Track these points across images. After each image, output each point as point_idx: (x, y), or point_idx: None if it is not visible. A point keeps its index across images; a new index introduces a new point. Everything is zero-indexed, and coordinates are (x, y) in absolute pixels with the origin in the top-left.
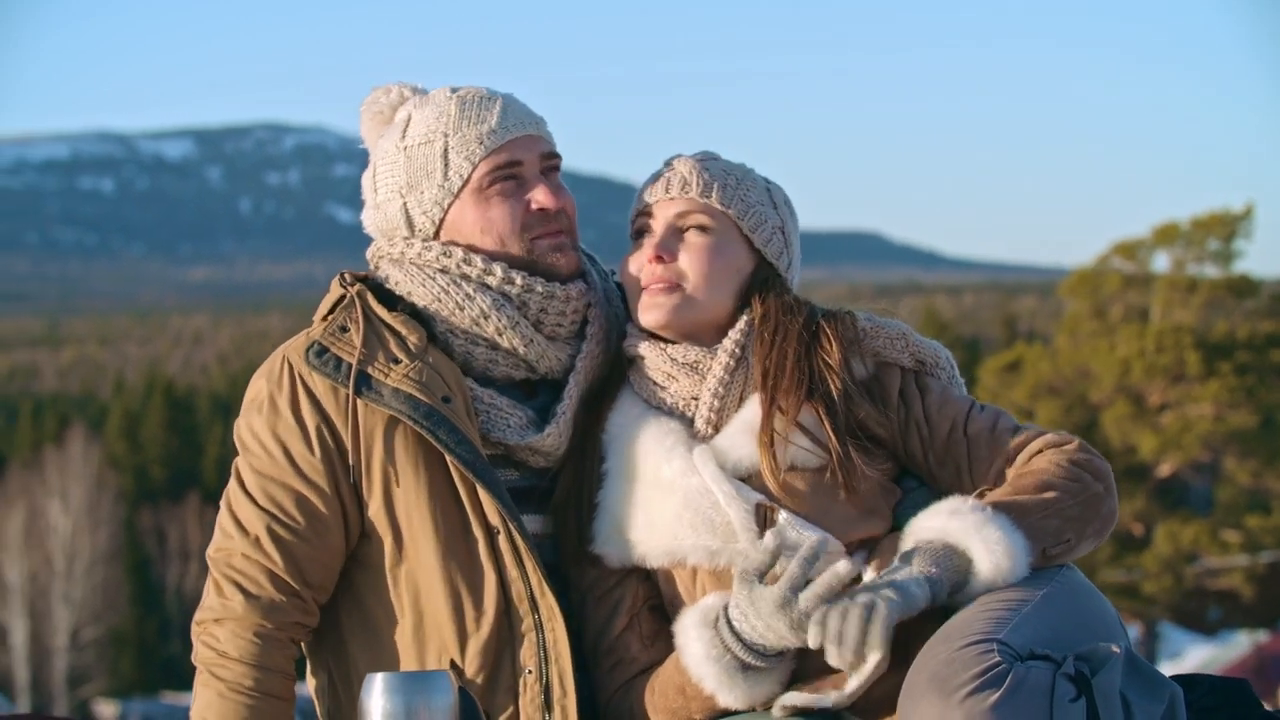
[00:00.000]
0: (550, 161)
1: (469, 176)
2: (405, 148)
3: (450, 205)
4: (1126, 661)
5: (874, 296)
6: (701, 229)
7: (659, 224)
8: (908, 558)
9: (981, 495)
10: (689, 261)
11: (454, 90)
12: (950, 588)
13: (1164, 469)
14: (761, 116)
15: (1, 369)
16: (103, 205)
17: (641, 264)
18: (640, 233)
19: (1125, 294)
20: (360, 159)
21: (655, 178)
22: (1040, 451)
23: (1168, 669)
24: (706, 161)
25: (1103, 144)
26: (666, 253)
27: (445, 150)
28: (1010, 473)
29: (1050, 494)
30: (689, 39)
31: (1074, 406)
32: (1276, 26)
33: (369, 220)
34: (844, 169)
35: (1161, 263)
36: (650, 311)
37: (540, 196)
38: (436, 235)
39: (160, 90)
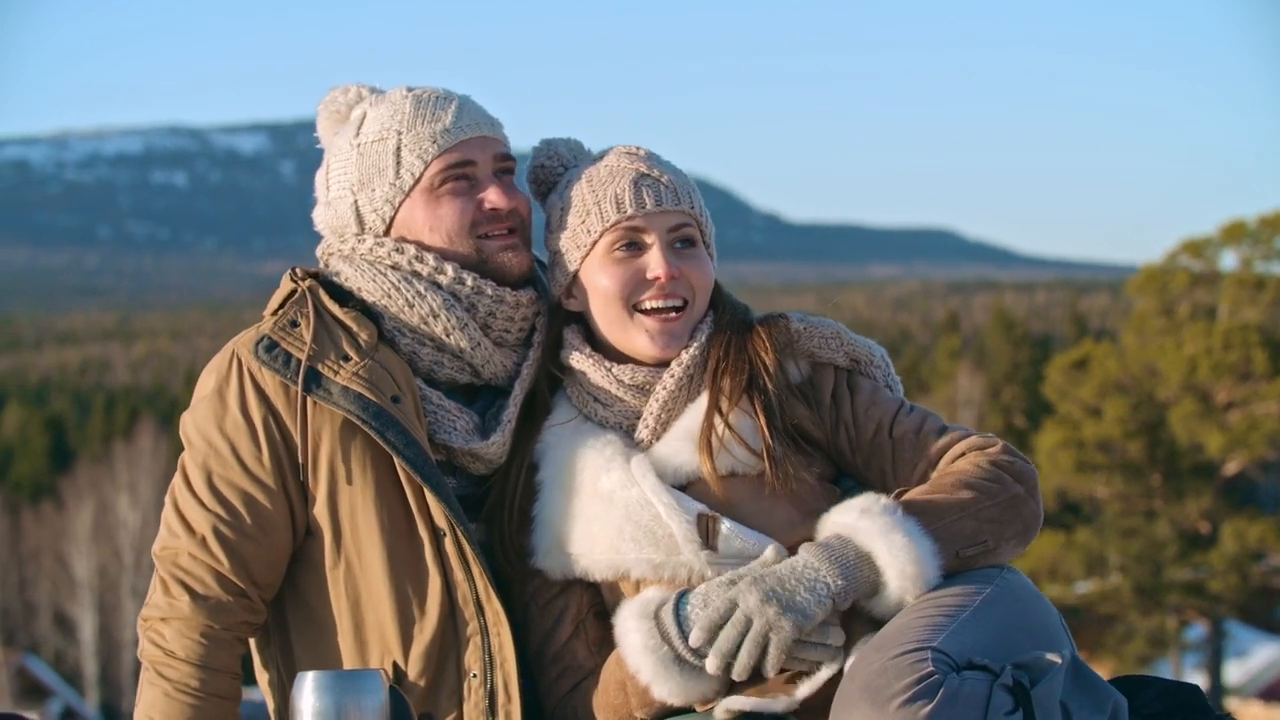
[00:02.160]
0: (504, 164)
1: (420, 175)
2: (358, 145)
3: (401, 203)
4: (1070, 670)
5: (946, 294)
6: (692, 241)
7: (656, 236)
8: (820, 555)
9: (900, 495)
10: (694, 276)
11: (410, 89)
12: (858, 596)
13: (1230, 467)
14: (839, 114)
15: (73, 363)
16: (176, 199)
17: (630, 280)
18: (625, 245)
19: (1193, 292)
20: None
21: (633, 184)
22: (963, 454)
23: (1234, 668)
24: (666, 164)
25: (1173, 142)
26: (677, 269)
27: (398, 148)
28: (932, 475)
29: (967, 495)
30: (763, 39)
31: (1141, 404)
32: None
33: (320, 218)
34: (920, 166)
35: (1229, 261)
36: (666, 345)
37: (492, 196)
38: (387, 233)
39: (233, 84)
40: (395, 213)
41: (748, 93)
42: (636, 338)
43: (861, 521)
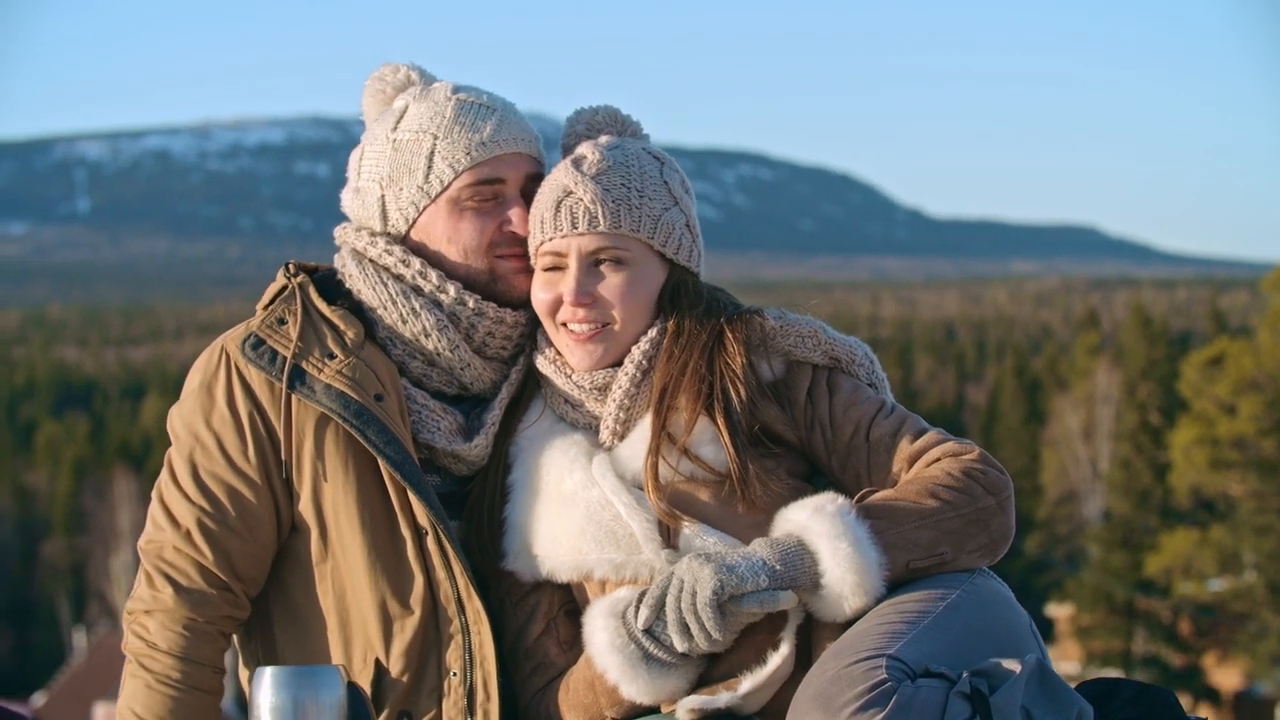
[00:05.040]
0: (534, 185)
1: (449, 184)
2: (394, 140)
3: (426, 208)
4: (1038, 675)
5: (1087, 290)
6: (618, 262)
7: (572, 260)
8: (764, 543)
9: (863, 497)
10: (613, 299)
11: (455, 90)
12: (798, 587)
13: None
14: (984, 111)
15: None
16: (318, 190)
17: (555, 300)
18: (549, 267)
19: None
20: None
21: (555, 205)
22: (937, 459)
23: None
24: (603, 175)
25: None
26: (586, 295)
27: (432, 152)
28: (904, 478)
29: (932, 503)
30: (909, 36)
31: (1276, 401)
32: None
33: (347, 201)
34: (1063, 163)
35: None
36: (582, 360)
37: (515, 219)
38: (407, 234)
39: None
40: (419, 215)
41: (893, 90)
42: (564, 350)
43: (812, 521)
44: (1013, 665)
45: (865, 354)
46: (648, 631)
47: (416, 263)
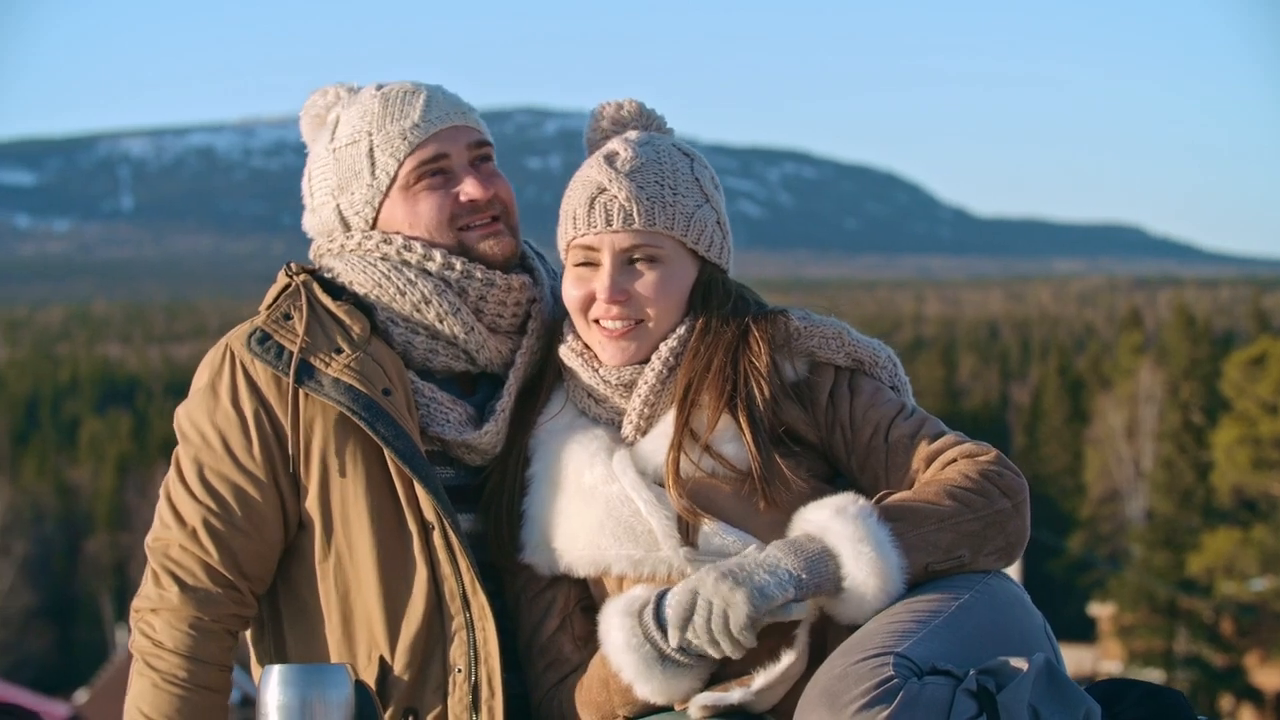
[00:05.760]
0: (480, 150)
1: (395, 174)
2: (334, 150)
3: (381, 203)
4: (1046, 674)
5: (1130, 289)
6: (651, 260)
7: (605, 257)
8: (786, 548)
9: (882, 499)
10: (648, 296)
11: (379, 87)
12: (821, 592)
13: None
14: (1028, 110)
15: None
16: None
17: (588, 296)
18: (581, 262)
19: None
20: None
21: (589, 202)
22: (954, 461)
23: None
24: (637, 173)
25: None
26: (621, 293)
27: (370, 149)
28: (920, 480)
29: (949, 505)
30: (952, 35)
31: None
32: None
33: (308, 224)
34: (1106, 162)
35: None
36: (614, 356)
37: (468, 188)
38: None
39: (420, 71)
40: (377, 213)
41: (936, 89)
42: (596, 346)
43: (834, 522)
44: (1020, 664)
45: (888, 356)
46: (663, 631)
47: (398, 239)
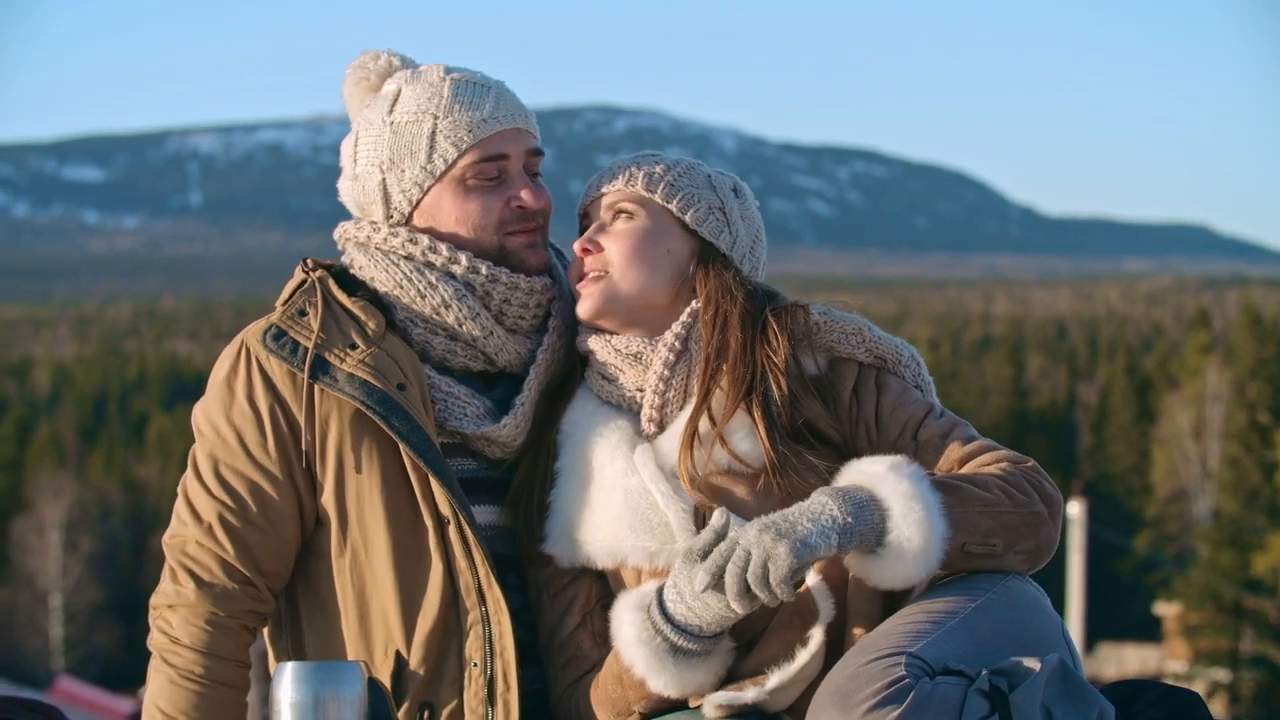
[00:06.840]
0: (534, 158)
1: (453, 162)
2: (392, 123)
3: (430, 188)
4: (1059, 674)
5: (1199, 289)
6: (627, 214)
7: (592, 219)
8: (833, 493)
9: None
10: (612, 248)
11: (448, 71)
12: (861, 543)
13: None
14: (1097, 109)
15: None
16: None
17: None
18: (581, 230)
19: None
20: (695, 144)
21: (597, 176)
22: (997, 461)
23: None
24: (644, 156)
25: None
26: (591, 244)
27: (433, 132)
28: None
29: (993, 495)
30: (1021, 36)
31: None
32: None
33: (345, 190)
34: (1175, 161)
35: None
36: (581, 303)
37: (525, 197)
38: (410, 216)
39: (493, 69)
40: (423, 196)
41: (1006, 88)
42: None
43: (889, 474)
44: (1034, 664)
45: (911, 355)
46: (676, 627)
47: (424, 239)
